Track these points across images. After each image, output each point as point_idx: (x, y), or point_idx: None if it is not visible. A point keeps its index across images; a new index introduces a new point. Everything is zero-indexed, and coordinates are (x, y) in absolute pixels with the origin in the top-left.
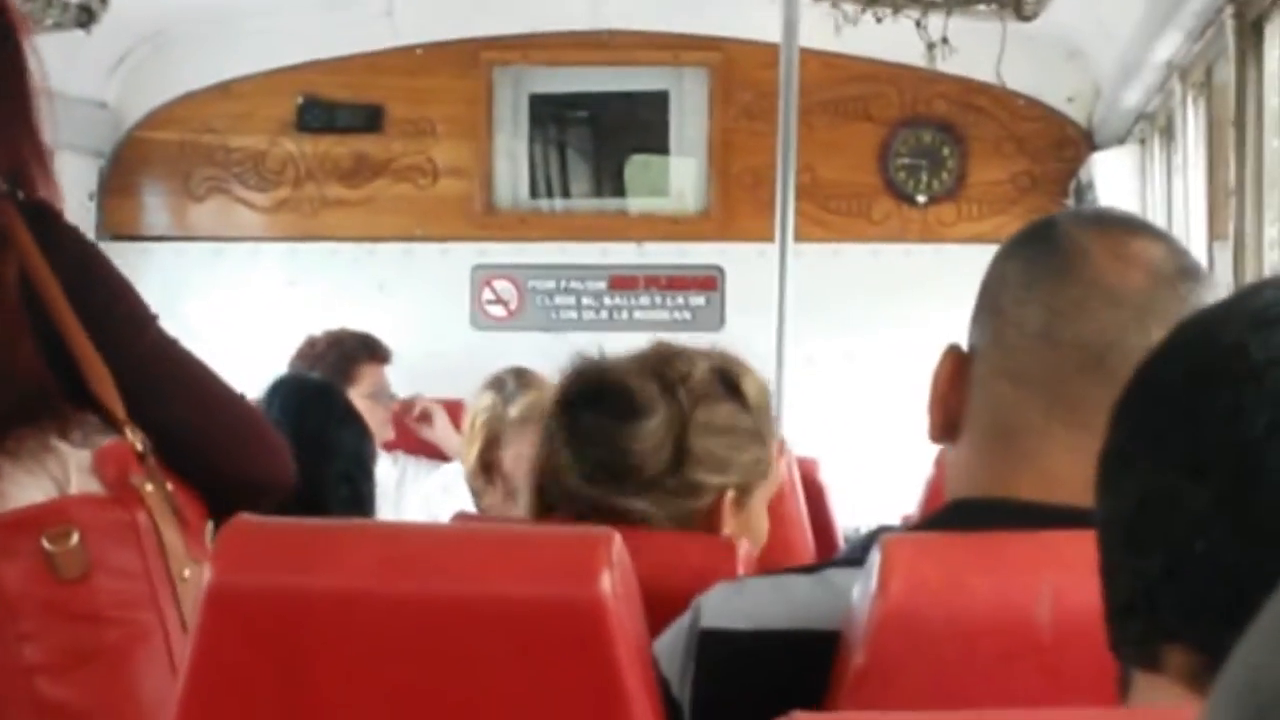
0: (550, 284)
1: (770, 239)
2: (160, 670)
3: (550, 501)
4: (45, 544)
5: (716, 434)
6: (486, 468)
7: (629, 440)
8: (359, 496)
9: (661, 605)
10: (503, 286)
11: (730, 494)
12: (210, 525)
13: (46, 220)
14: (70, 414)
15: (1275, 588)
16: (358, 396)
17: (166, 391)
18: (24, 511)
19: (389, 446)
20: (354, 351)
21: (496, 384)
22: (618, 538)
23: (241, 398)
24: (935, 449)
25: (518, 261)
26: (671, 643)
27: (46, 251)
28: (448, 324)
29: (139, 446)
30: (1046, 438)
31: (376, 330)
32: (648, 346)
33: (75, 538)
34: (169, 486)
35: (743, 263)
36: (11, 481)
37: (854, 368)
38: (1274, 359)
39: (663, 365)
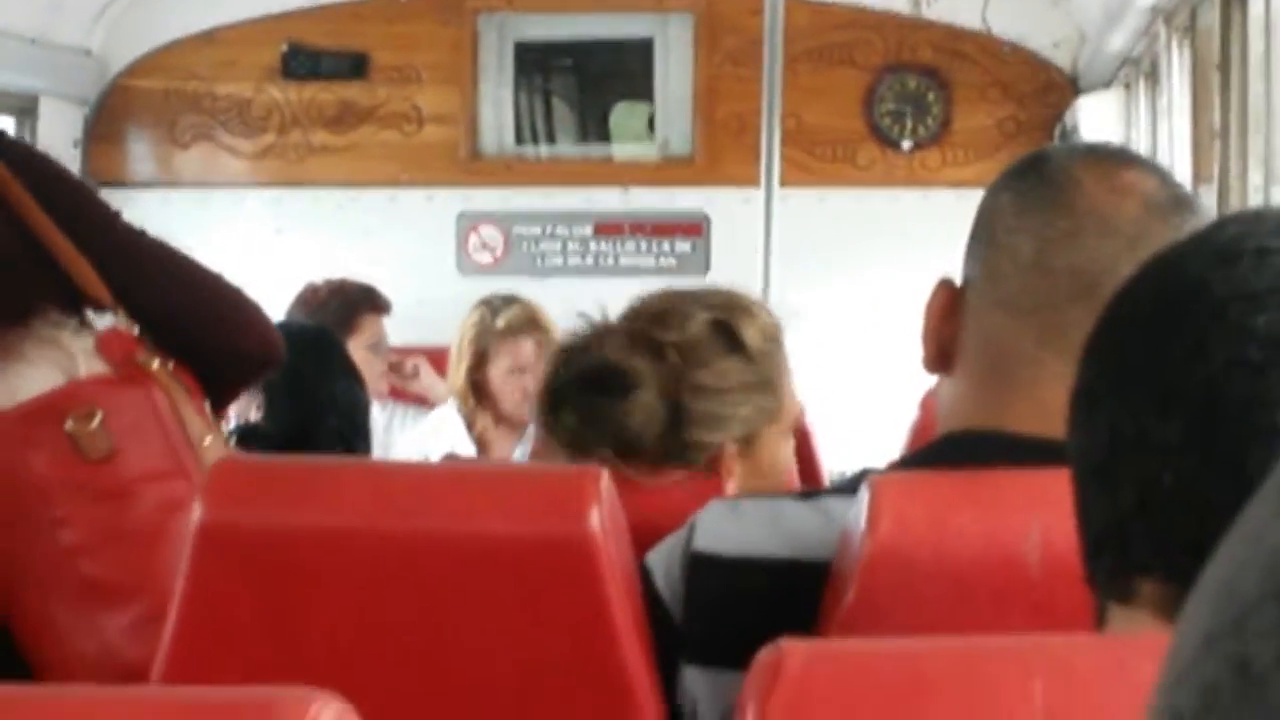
0: (536, 230)
1: (755, 184)
2: None
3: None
4: (69, 426)
5: (711, 394)
6: (476, 389)
7: (623, 415)
8: (351, 453)
9: (646, 549)
10: (488, 233)
11: (730, 447)
12: (207, 404)
13: (5, 138)
14: (59, 310)
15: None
16: (357, 347)
17: (147, 274)
18: (42, 399)
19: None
20: (356, 301)
21: (484, 302)
22: (605, 474)
23: (219, 276)
24: (920, 392)
25: (503, 208)
26: (667, 558)
27: (8, 164)
28: (433, 270)
29: (134, 329)
30: (1038, 367)
31: (362, 276)
32: (643, 301)
33: (97, 418)
34: (170, 363)
35: (728, 208)
36: (17, 375)
37: (839, 313)
38: (1235, 294)
39: (653, 328)
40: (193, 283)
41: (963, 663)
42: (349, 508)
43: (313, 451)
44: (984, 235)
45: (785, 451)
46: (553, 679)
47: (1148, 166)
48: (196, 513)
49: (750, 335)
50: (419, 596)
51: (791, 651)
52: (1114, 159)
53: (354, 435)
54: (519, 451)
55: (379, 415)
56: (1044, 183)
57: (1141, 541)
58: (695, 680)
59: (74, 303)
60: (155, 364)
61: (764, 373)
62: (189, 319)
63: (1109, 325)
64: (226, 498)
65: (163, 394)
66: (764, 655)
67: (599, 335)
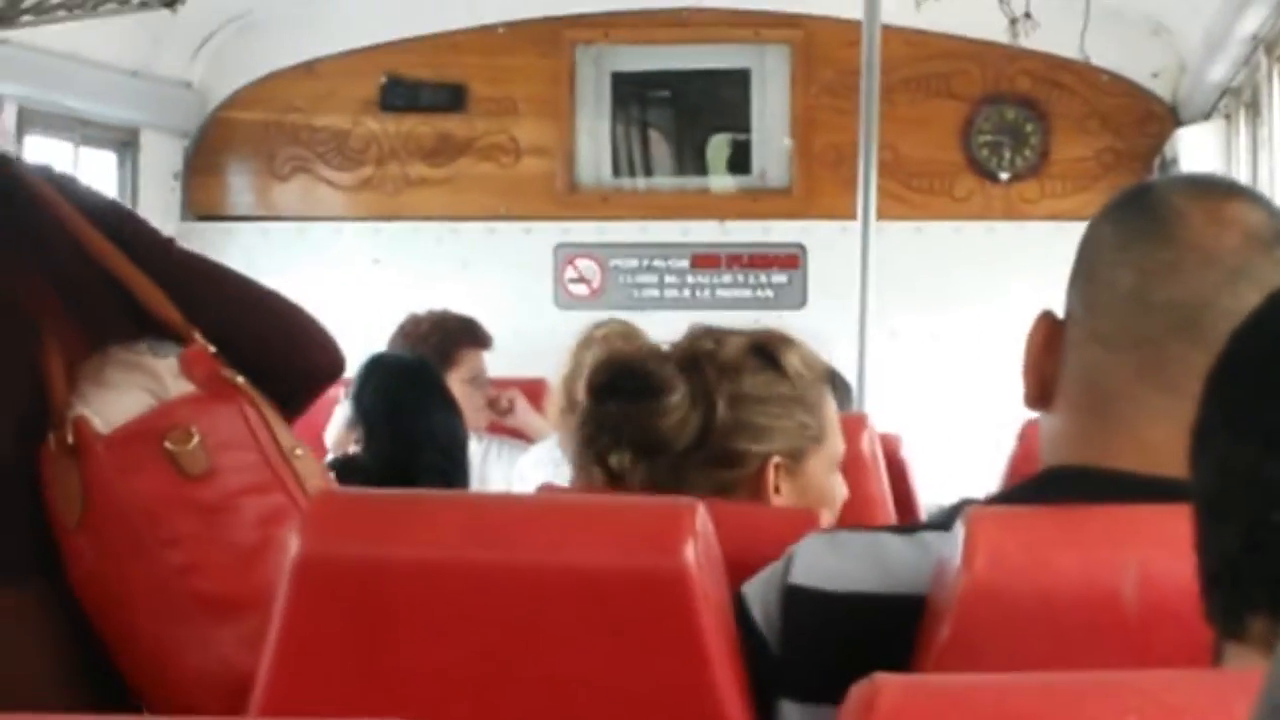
0: (633, 263)
1: (852, 217)
2: None
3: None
4: (168, 446)
5: (750, 403)
6: (570, 403)
7: (652, 417)
8: (449, 485)
9: (743, 577)
10: (586, 265)
11: (776, 460)
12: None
13: (55, 173)
14: (134, 336)
15: None
16: (456, 381)
17: (207, 296)
18: (138, 421)
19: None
20: (456, 335)
21: (583, 334)
22: (701, 508)
23: (276, 293)
24: (1018, 425)
25: (600, 240)
26: (764, 589)
27: (66, 197)
28: (531, 303)
29: (211, 348)
30: (1138, 403)
31: (460, 308)
32: (688, 330)
33: (195, 436)
34: (227, 374)
35: (825, 240)
36: (105, 402)
37: (936, 345)
38: None
39: (690, 345)
40: (250, 301)
41: (1058, 699)
42: (445, 540)
43: (410, 484)
44: (1084, 268)
45: (833, 483)
46: (647, 713)
47: (1253, 199)
48: (294, 544)
49: (789, 358)
50: (513, 629)
51: (886, 686)
52: (1218, 191)
53: (452, 468)
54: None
55: (475, 449)
56: (1145, 214)
57: (1251, 578)
58: (791, 714)
59: (144, 327)
60: (240, 379)
61: (805, 394)
62: (248, 337)
63: (1227, 359)
64: (325, 530)
65: (253, 408)
66: (858, 690)
67: (639, 351)
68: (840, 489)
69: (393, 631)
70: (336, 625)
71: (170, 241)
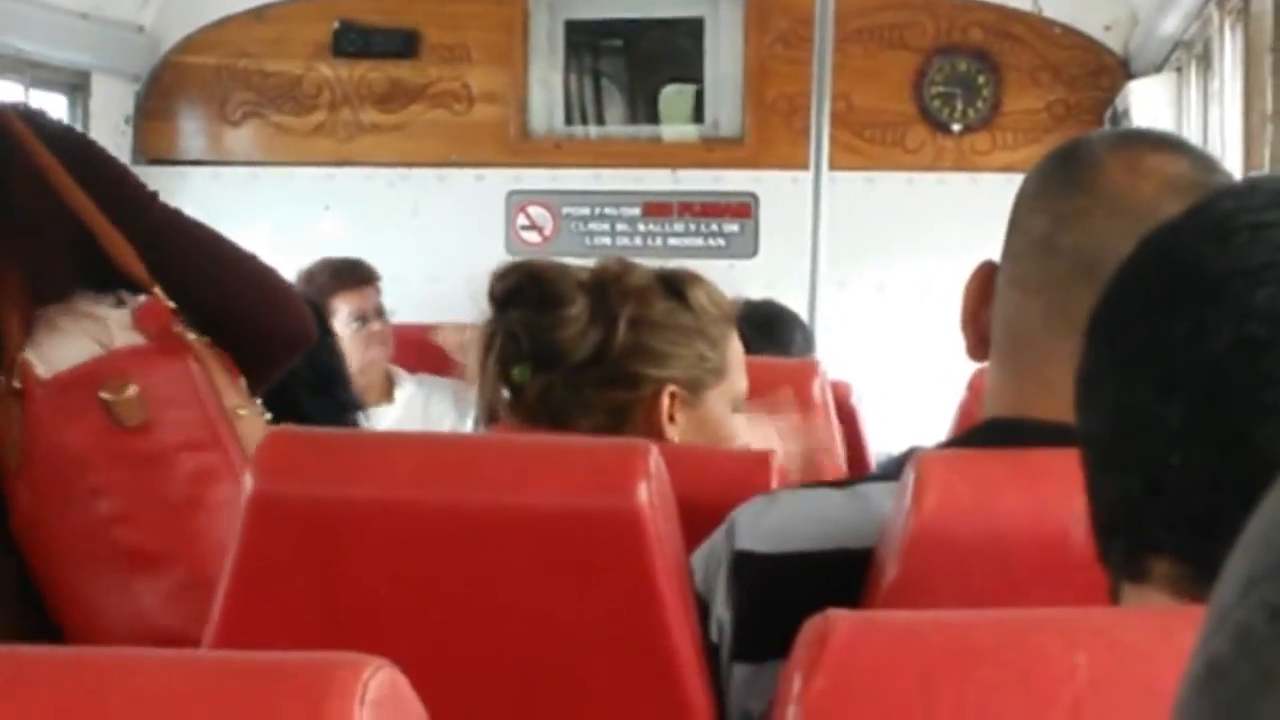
0: (585, 210)
1: (805, 167)
2: (232, 509)
3: (493, 403)
4: (104, 395)
5: (651, 328)
6: None
7: (551, 328)
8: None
9: (696, 518)
10: (537, 212)
11: (672, 389)
12: (242, 381)
13: (38, 116)
14: (98, 288)
15: (1251, 496)
16: (340, 325)
17: (183, 254)
18: (78, 369)
19: (413, 369)
20: (329, 282)
21: None
22: (655, 449)
23: (254, 256)
24: (968, 374)
25: (552, 188)
26: (708, 557)
27: (46, 142)
28: (482, 250)
29: (170, 304)
30: (1046, 347)
31: (411, 255)
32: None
33: (133, 387)
34: (206, 337)
35: (777, 190)
36: (53, 348)
37: (888, 295)
38: (1234, 271)
39: (598, 268)
40: (227, 262)
41: (1007, 634)
42: (398, 480)
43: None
44: (1011, 216)
45: (732, 423)
46: (599, 653)
47: (1182, 151)
48: (248, 484)
49: (695, 292)
50: (467, 568)
51: (838, 622)
52: (1145, 143)
53: (329, 407)
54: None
55: (416, 391)
56: (1067, 165)
57: (1153, 522)
58: (745, 675)
59: (112, 281)
60: (191, 336)
61: (707, 328)
62: (223, 297)
63: (1107, 306)
64: (277, 469)
65: (199, 365)
66: (810, 627)
67: (542, 262)
68: (740, 431)
69: (346, 570)
70: (290, 563)
71: (153, 197)
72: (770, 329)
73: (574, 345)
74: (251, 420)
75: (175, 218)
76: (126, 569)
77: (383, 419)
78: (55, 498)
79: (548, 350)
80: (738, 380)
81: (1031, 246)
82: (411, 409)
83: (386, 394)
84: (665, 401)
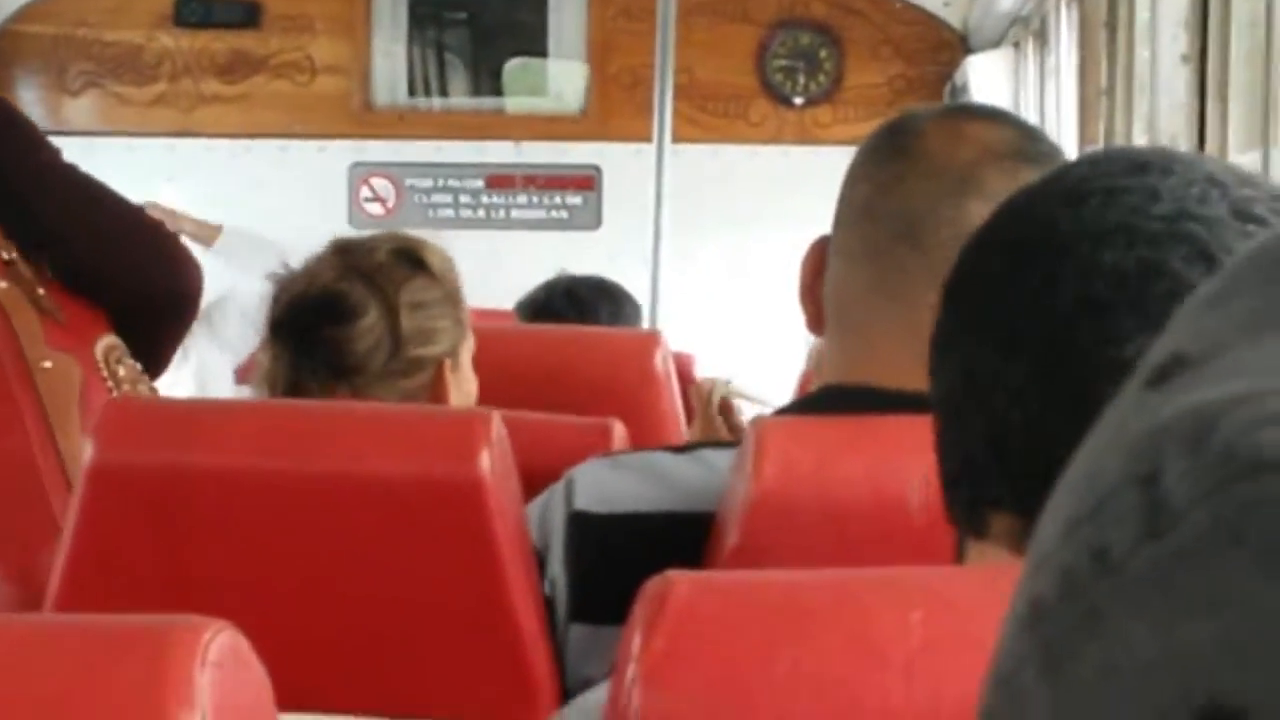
0: (428, 182)
1: (648, 139)
2: (23, 461)
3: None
4: None
5: (419, 309)
6: None
7: (351, 342)
8: None
9: (537, 485)
10: (380, 184)
11: (447, 362)
12: (106, 339)
13: None
14: None
15: None
16: None
17: (64, 202)
18: None
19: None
20: None
21: None
22: (497, 416)
23: (140, 210)
24: (809, 345)
25: (395, 160)
26: (543, 513)
27: None
28: (325, 221)
29: (5, 255)
30: (870, 311)
31: (253, 227)
32: (329, 245)
33: None
34: (40, 290)
35: (620, 163)
36: None
37: (731, 267)
38: (1084, 233)
39: (356, 260)
40: (110, 214)
41: (844, 594)
42: (240, 447)
43: None
44: (840, 190)
45: (472, 372)
46: (441, 619)
47: (1005, 121)
48: (88, 451)
49: (430, 257)
50: (310, 535)
51: (677, 582)
52: (967, 113)
53: None
54: None
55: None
56: (891, 135)
57: (992, 477)
58: (581, 637)
59: None
60: (2, 285)
61: (452, 291)
62: (102, 250)
63: (961, 266)
64: (117, 436)
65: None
66: (650, 587)
67: (309, 271)
68: (473, 377)
69: (188, 538)
70: (131, 532)
71: (45, 142)
72: (597, 302)
73: (374, 353)
74: (60, 374)
75: (65, 167)
76: None
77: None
78: None
79: (347, 362)
80: (470, 331)
81: (855, 214)
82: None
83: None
84: (446, 376)
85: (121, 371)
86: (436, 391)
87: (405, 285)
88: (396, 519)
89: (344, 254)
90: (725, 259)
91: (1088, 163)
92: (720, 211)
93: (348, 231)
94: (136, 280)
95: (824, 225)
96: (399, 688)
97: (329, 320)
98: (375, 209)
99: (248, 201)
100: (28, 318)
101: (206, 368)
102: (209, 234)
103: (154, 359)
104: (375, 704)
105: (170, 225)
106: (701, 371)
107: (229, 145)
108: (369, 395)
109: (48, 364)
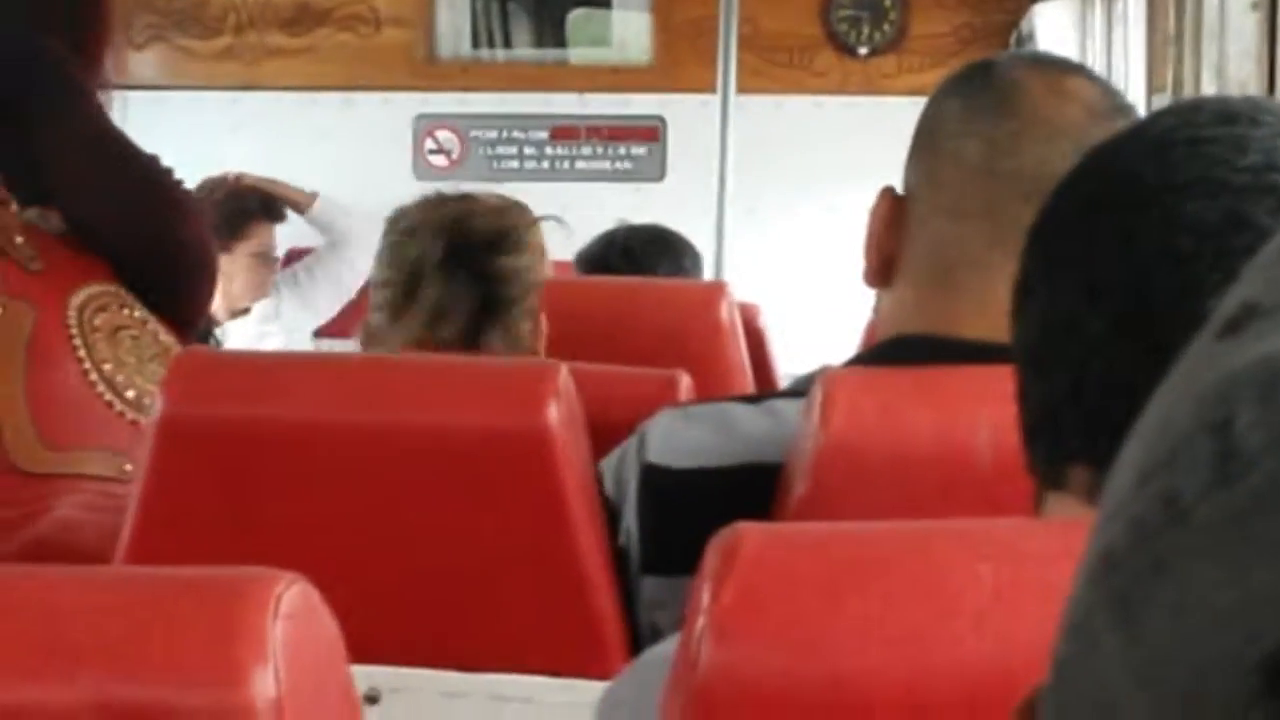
0: (493, 134)
1: (712, 90)
2: None
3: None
4: None
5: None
6: None
7: (519, 272)
8: None
9: (604, 437)
10: (445, 136)
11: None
12: (103, 291)
13: None
14: None
15: None
16: (242, 253)
17: (75, 156)
18: None
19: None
20: (251, 207)
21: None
22: (565, 368)
23: (153, 161)
24: (874, 296)
25: (460, 111)
26: (618, 465)
27: None
28: (390, 174)
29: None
30: (988, 270)
31: (318, 180)
32: (439, 197)
33: None
34: (16, 239)
35: (684, 114)
36: None
37: (795, 218)
38: (1167, 184)
39: (473, 204)
40: (115, 164)
41: (913, 545)
42: (309, 400)
43: None
44: (927, 143)
45: None
46: (509, 570)
47: (1088, 75)
48: (158, 404)
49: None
50: (379, 488)
51: (747, 534)
52: (1056, 67)
53: None
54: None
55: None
56: (988, 89)
57: (1072, 428)
58: (653, 589)
59: None
60: None
61: None
62: (101, 199)
63: (1045, 216)
64: (187, 389)
65: None
66: (719, 540)
67: (450, 209)
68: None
69: (257, 491)
70: (200, 484)
71: (69, 97)
72: (653, 254)
73: (526, 292)
74: (7, 319)
75: (85, 121)
76: None
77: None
78: None
79: (505, 295)
80: None
81: (965, 171)
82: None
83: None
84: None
85: (98, 320)
86: (534, 345)
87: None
88: (465, 471)
89: (456, 199)
90: (789, 210)
91: (1174, 113)
92: (784, 162)
93: (413, 185)
94: (139, 233)
95: (889, 176)
96: (467, 640)
97: (499, 251)
98: (440, 161)
99: (312, 154)
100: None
101: (293, 328)
102: (305, 201)
103: (176, 314)
104: (443, 657)
105: (273, 191)
106: (766, 322)
107: (293, 98)
108: (499, 336)
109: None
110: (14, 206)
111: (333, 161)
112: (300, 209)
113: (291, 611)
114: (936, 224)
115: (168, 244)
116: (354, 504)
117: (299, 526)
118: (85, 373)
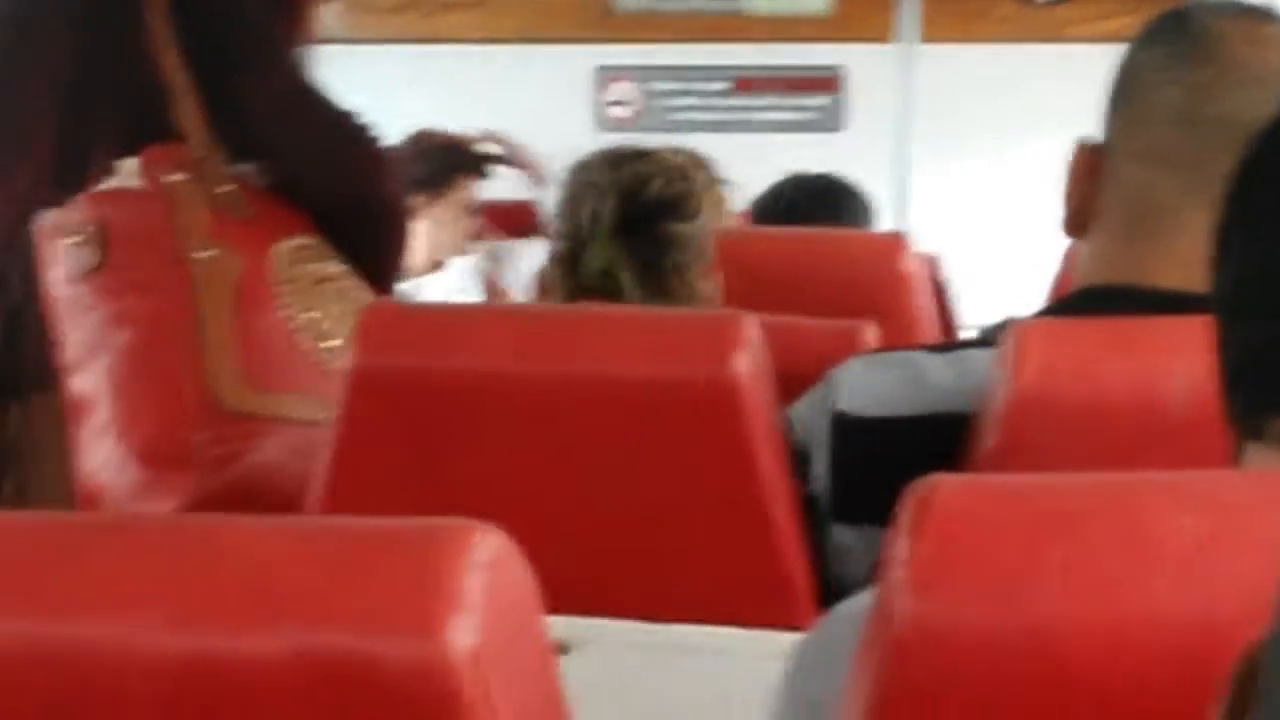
0: (672, 85)
1: (892, 40)
2: (174, 353)
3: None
4: (67, 241)
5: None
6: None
7: (689, 239)
8: None
9: (790, 390)
10: (624, 89)
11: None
12: (309, 243)
13: None
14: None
15: None
16: (452, 203)
17: (277, 110)
18: (55, 218)
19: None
20: (463, 159)
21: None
22: (752, 319)
23: (349, 116)
24: (1062, 247)
25: (639, 63)
26: (808, 412)
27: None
28: (569, 127)
29: (199, 151)
30: (1183, 217)
31: (498, 132)
32: (618, 155)
33: (91, 230)
34: (225, 187)
35: (864, 63)
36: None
37: (974, 166)
38: None
39: (653, 166)
40: (316, 118)
41: (1113, 496)
42: (497, 351)
43: None
44: (1125, 92)
45: None
46: (698, 523)
47: None
48: (349, 355)
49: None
50: (566, 438)
51: (943, 485)
52: (1253, 15)
53: None
54: None
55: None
56: (1186, 37)
57: (1271, 378)
58: (844, 537)
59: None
60: (178, 176)
61: None
62: (303, 155)
63: (1245, 166)
64: (377, 341)
65: (161, 205)
66: (915, 491)
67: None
68: None
69: (446, 442)
70: (391, 435)
71: (266, 50)
72: (820, 204)
73: (698, 256)
74: (216, 264)
75: (284, 75)
76: (73, 419)
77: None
78: (49, 349)
79: (676, 261)
80: None
81: (1165, 120)
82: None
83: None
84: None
85: (302, 271)
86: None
87: None
88: (653, 421)
89: (639, 154)
90: (969, 159)
91: None
92: (964, 111)
93: (593, 137)
94: (337, 187)
95: (1071, 125)
96: (655, 591)
97: (674, 217)
98: (619, 113)
99: (491, 108)
100: (196, 210)
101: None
102: (539, 175)
103: (371, 268)
104: (631, 607)
105: (511, 156)
106: (951, 273)
107: (472, 51)
108: (669, 298)
109: (205, 254)
110: (222, 157)
111: (512, 114)
112: (536, 179)
113: (488, 561)
114: (1133, 173)
115: (365, 198)
116: (541, 454)
117: (487, 477)
118: (288, 319)
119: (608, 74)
